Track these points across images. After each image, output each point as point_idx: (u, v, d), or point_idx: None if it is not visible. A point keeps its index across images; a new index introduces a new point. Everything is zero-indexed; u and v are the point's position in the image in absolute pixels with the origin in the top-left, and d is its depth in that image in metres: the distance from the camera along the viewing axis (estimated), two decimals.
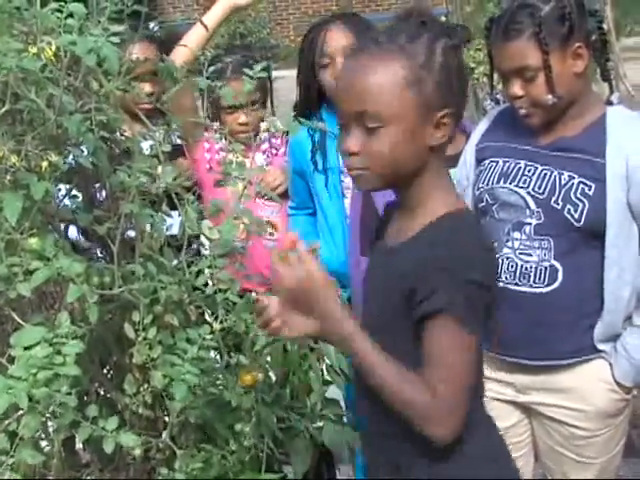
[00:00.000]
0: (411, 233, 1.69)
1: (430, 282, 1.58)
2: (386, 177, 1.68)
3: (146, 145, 1.94)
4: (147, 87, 2.88)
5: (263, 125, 3.14)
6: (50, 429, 1.82)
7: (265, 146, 3.15)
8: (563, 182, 2.33)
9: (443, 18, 12.63)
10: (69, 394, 1.57)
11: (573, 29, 2.32)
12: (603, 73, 2.49)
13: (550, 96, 2.32)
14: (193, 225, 1.88)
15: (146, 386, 1.84)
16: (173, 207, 1.95)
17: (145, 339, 1.77)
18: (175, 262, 1.92)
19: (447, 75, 1.66)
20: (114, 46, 1.59)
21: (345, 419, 2.40)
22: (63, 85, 1.66)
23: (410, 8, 2.40)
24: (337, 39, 2.91)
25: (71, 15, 1.61)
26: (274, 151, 3.15)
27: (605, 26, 6.32)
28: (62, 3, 1.61)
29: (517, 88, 2.35)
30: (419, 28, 1.67)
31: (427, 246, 1.62)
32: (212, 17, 3.02)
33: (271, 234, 3.10)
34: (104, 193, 1.92)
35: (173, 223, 1.99)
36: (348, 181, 2.87)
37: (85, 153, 1.78)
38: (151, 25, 3.07)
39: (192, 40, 2.88)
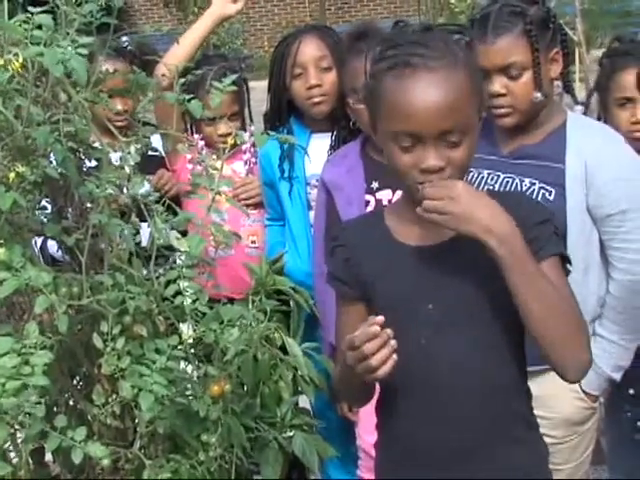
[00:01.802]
0: None
1: (537, 236, 1.73)
2: None
3: (116, 157, 1.94)
4: (118, 104, 2.89)
5: (245, 135, 3.15)
6: (19, 440, 1.81)
7: (246, 156, 3.16)
8: (524, 189, 2.36)
9: None
10: (37, 404, 1.57)
11: (555, 33, 2.36)
12: (565, 85, 2.53)
13: (539, 94, 2.34)
14: (161, 235, 1.88)
15: (115, 396, 1.84)
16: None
17: (114, 349, 1.77)
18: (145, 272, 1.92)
19: (479, 71, 1.79)
20: (82, 58, 1.59)
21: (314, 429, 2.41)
22: (31, 96, 1.67)
23: (361, 26, 2.47)
24: (310, 50, 2.93)
25: (39, 27, 1.62)
26: (254, 160, 3.16)
27: (576, 38, 6.35)
28: (30, 15, 1.61)
29: (499, 86, 2.37)
30: (444, 33, 1.76)
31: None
32: (201, 27, 3.05)
33: (253, 242, 3.12)
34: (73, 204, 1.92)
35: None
36: (315, 193, 2.89)
37: (53, 164, 1.78)
38: (123, 39, 3.08)
39: (180, 53, 2.91)
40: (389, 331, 1.62)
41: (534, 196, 2.34)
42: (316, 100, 2.92)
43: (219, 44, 15.19)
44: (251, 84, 3.31)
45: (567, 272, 1.81)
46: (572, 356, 1.72)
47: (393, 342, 1.63)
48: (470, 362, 1.78)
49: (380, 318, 1.63)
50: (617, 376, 2.47)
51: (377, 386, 1.89)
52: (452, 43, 1.73)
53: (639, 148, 2.56)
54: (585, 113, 2.97)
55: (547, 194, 2.34)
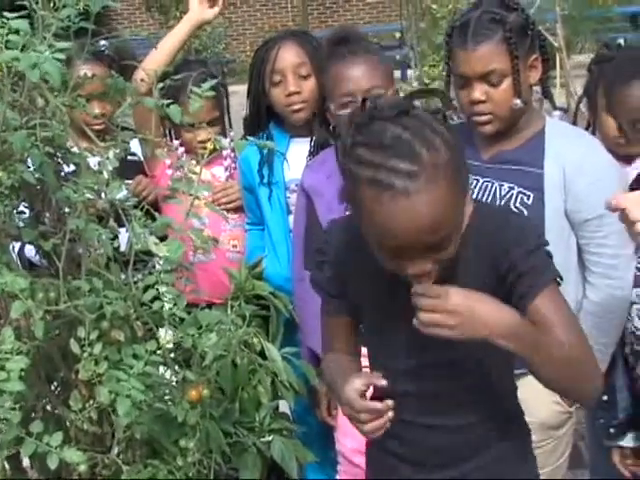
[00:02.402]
0: None
1: (535, 265, 1.69)
2: None
3: (94, 161, 1.94)
4: (96, 107, 2.88)
5: (225, 140, 3.15)
6: None
7: (227, 162, 3.16)
8: (503, 193, 2.38)
9: (398, 34, 12.73)
10: (13, 409, 1.56)
11: (534, 40, 2.38)
12: (544, 90, 2.55)
13: (518, 100, 2.35)
14: (140, 240, 1.87)
15: (92, 402, 1.83)
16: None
17: (91, 355, 1.76)
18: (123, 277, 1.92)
19: (459, 149, 1.64)
20: (59, 62, 1.59)
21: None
22: (8, 101, 1.66)
23: (342, 31, 2.41)
24: (289, 56, 2.93)
25: (16, 32, 1.61)
26: (234, 165, 3.16)
27: (556, 43, 6.36)
28: (6, 20, 1.61)
29: (479, 93, 2.38)
30: (416, 124, 1.58)
31: (487, 239, 1.71)
32: (179, 32, 3.05)
33: (234, 246, 3.12)
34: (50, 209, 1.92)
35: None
36: (294, 197, 2.90)
37: (31, 169, 1.78)
38: (101, 43, 3.08)
39: (158, 59, 2.90)
40: (390, 402, 1.66)
41: (513, 201, 2.36)
42: (295, 107, 2.92)
43: (201, 48, 15.17)
44: (233, 88, 3.31)
45: None
46: (590, 388, 1.76)
47: (390, 414, 1.66)
48: (464, 379, 1.79)
49: (384, 383, 1.67)
50: None
51: None
52: (431, 139, 1.57)
53: (628, 154, 2.59)
54: (575, 122, 2.98)
55: (525, 198, 2.36)
